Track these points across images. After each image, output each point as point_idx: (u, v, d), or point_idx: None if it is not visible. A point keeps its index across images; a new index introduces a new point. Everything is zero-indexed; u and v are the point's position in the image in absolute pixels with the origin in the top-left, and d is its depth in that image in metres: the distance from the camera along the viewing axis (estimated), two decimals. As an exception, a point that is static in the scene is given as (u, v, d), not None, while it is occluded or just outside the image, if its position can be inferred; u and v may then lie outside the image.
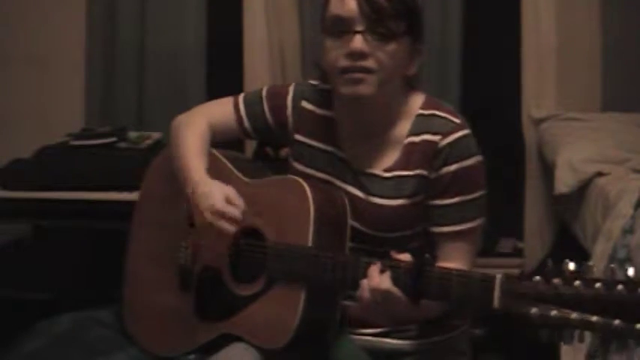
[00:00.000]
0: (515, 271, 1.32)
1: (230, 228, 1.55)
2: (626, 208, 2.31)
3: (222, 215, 1.54)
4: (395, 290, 1.41)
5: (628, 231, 2.19)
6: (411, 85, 1.63)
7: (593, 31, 3.17)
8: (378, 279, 1.42)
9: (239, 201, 1.56)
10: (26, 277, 2.73)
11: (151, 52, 3.29)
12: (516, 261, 3.28)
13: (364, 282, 1.44)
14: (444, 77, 3.27)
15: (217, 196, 1.56)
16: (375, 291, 1.42)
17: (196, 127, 1.74)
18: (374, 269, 1.44)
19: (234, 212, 1.54)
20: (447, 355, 1.67)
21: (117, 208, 2.64)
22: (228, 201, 1.56)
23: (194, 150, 1.69)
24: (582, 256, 2.50)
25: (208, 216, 1.56)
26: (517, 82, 3.22)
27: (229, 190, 1.58)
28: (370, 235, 1.60)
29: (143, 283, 1.79)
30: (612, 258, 2.17)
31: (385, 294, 1.41)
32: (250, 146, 3.02)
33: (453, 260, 1.56)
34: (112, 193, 2.69)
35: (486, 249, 3.20)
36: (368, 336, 1.63)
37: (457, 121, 1.59)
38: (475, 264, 1.62)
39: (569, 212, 2.86)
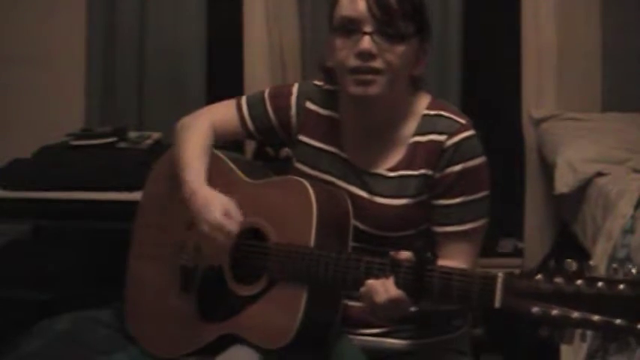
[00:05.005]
0: (516, 272, 1.31)
1: (226, 241, 1.57)
2: (626, 208, 2.30)
3: (219, 228, 1.56)
4: (403, 296, 1.40)
5: (628, 231, 2.19)
6: (416, 85, 1.63)
7: (593, 31, 3.16)
8: (384, 291, 1.41)
9: (237, 214, 1.58)
10: (26, 277, 2.73)
11: (151, 52, 3.28)
12: (516, 261, 3.27)
13: (371, 289, 1.43)
14: (444, 77, 3.26)
15: (217, 208, 1.57)
16: (383, 300, 1.41)
17: (199, 129, 1.74)
18: (377, 284, 1.42)
19: (232, 226, 1.56)
20: (447, 355, 1.67)
21: (117, 208, 2.64)
22: (227, 214, 1.57)
23: (195, 153, 1.69)
24: (582, 256, 2.50)
25: (206, 228, 1.57)
26: (517, 82, 3.22)
27: (229, 204, 1.59)
28: (373, 235, 1.60)
29: (145, 284, 1.78)
30: (612, 258, 2.17)
31: (395, 302, 1.41)
32: (250, 146, 3.02)
33: (455, 260, 1.55)
34: (112, 193, 2.68)
35: (486, 249, 3.19)
36: (368, 336, 1.63)
37: (463, 121, 1.59)
38: (477, 264, 1.62)
39: (569, 212, 2.86)
